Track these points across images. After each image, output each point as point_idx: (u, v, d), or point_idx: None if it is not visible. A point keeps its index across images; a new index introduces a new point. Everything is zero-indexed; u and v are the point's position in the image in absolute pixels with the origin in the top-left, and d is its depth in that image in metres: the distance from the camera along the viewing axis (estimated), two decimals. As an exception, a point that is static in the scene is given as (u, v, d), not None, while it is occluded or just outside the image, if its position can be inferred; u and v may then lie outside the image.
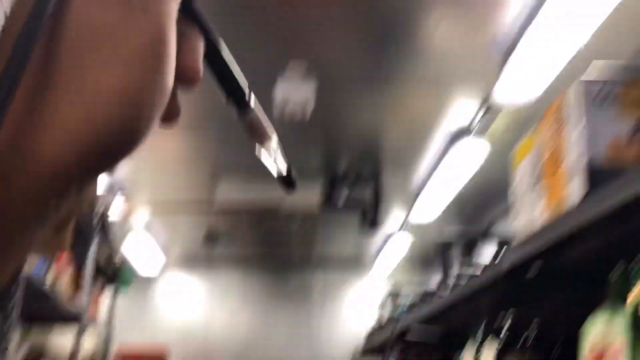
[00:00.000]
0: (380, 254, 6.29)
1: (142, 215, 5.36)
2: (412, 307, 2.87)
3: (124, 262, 4.47)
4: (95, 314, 3.72)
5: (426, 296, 2.70)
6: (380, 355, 5.04)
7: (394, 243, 5.72)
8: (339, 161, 4.15)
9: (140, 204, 5.14)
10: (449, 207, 4.60)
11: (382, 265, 6.63)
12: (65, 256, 2.62)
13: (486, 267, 1.78)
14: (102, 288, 3.87)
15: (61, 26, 0.26)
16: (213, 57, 0.31)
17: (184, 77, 0.29)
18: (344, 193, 4.24)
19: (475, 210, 5.03)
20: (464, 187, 4.27)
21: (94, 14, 0.27)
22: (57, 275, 2.56)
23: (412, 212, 4.75)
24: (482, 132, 3.72)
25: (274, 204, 4.09)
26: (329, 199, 4.22)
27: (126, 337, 5.85)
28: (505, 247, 1.60)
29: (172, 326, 6.71)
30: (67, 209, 0.30)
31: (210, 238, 5.92)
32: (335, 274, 7.13)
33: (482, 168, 4.01)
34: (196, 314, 6.86)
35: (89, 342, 5.39)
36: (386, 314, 5.57)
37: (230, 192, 4.20)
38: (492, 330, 1.82)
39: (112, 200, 4.01)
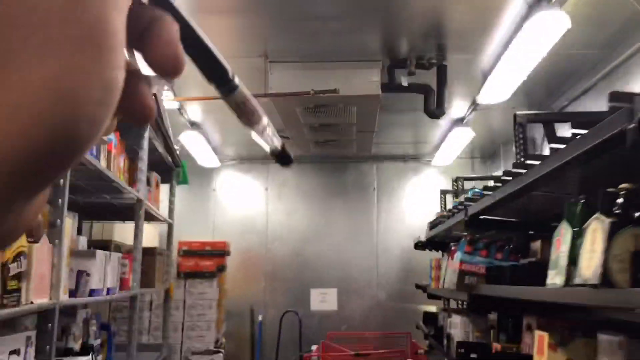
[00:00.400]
0: (441, 147, 6.04)
1: (193, 112, 5.24)
2: (485, 191, 2.66)
3: (180, 154, 4.41)
4: (155, 207, 3.70)
5: (499, 181, 2.47)
6: (442, 246, 4.95)
7: (455, 135, 5.44)
8: (399, 43, 3.83)
9: (191, 102, 5.00)
10: (516, 92, 4.24)
11: (442, 158, 6.39)
12: (116, 143, 2.50)
13: (589, 134, 1.52)
14: (159, 181, 3.81)
15: None
16: (189, 40, 0.30)
17: (164, 67, 0.28)
18: (405, 77, 3.94)
19: (546, 94, 4.66)
20: (534, 69, 3.89)
21: None
22: (109, 162, 2.45)
23: (478, 96, 4.42)
24: (561, 3, 3.31)
25: (329, 90, 3.85)
26: (389, 84, 3.94)
27: (186, 233, 5.98)
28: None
29: (231, 223, 6.79)
30: (7, 228, 0.26)
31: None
32: (394, 167, 6.98)
33: (558, 45, 3.61)
34: (254, 211, 6.89)
35: (152, 236, 5.51)
36: (449, 205, 5.44)
37: (283, 80, 3.97)
38: (591, 208, 1.59)
39: (161, 93, 3.86)
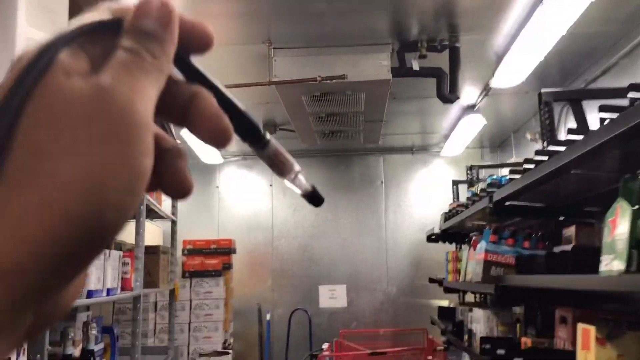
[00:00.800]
0: (451, 136, 5.85)
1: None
2: (512, 174, 2.47)
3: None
4: (157, 203, 3.52)
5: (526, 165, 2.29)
6: (457, 238, 4.77)
7: (465, 123, 5.25)
8: (409, 24, 3.63)
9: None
10: (527, 75, 4.05)
11: (451, 148, 6.21)
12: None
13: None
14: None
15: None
16: (224, 105, 0.32)
17: (217, 139, 0.30)
18: (416, 61, 3.75)
19: (561, 77, 4.47)
20: (552, 49, 3.70)
21: (56, 93, 0.25)
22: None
23: (491, 80, 4.23)
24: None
25: (337, 76, 3.66)
26: (399, 69, 3.75)
27: (191, 231, 5.82)
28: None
29: (236, 221, 6.61)
30: (38, 320, 0.27)
31: (268, 129, 5.61)
32: (402, 159, 6.80)
33: (575, 23, 3.42)
34: (259, 208, 6.72)
35: (156, 235, 5.34)
36: (461, 196, 5.26)
37: (288, 67, 3.78)
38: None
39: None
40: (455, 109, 5.20)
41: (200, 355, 4.83)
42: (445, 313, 4.58)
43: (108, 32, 0.29)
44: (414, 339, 4.85)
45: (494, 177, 3.39)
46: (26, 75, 0.25)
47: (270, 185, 6.78)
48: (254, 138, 0.34)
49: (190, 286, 5.07)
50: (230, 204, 6.72)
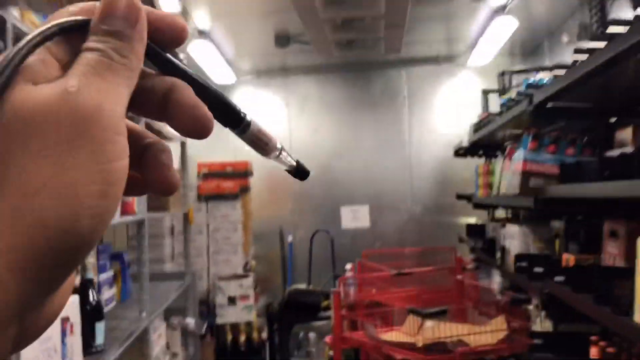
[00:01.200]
0: (479, 42, 5.40)
1: (200, 18, 4.70)
2: (556, 71, 2.13)
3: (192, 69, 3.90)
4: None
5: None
6: (488, 150, 4.47)
7: (495, 27, 4.81)
8: None
9: (196, 6, 4.45)
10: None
11: (479, 56, 5.78)
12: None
13: None
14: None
15: None
16: (201, 93, 0.32)
17: (197, 130, 0.30)
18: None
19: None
20: None
21: (22, 102, 0.25)
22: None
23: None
24: None
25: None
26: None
27: (206, 155, 5.60)
28: None
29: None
30: (23, 332, 0.27)
31: (281, 42, 5.24)
32: (426, 71, 6.38)
33: None
34: (275, 129, 6.44)
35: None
36: (492, 106, 4.90)
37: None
38: None
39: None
40: (483, 11, 4.76)
41: (220, 278, 4.72)
42: (474, 230, 4.35)
43: (77, 33, 0.28)
44: (440, 259, 4.66)
45: (530, 80, 3.04)
46: None
47: (287, 105, 6.47)
48: (235, 122, 0.34)
49: (207, 210, 4.90)
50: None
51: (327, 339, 3.08)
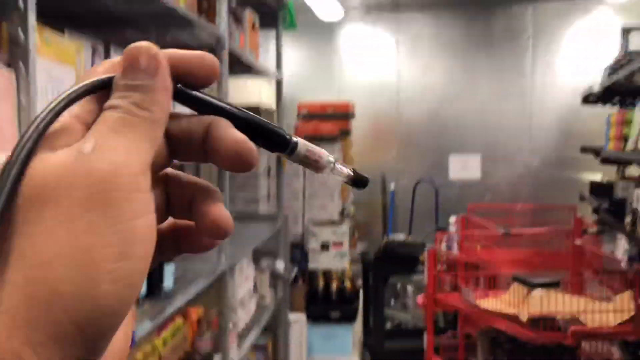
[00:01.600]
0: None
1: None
2: None
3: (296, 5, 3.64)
4: (254, 54, 3.04)
5: None
6: (623, 97, 3.86)
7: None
8: None
9: None
10: None
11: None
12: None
13: None
14: (256, 22, 3.10)
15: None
16: (243, 126, 0.31)
17: (244, 164, 0.29)
18: None
19: None
20: None
21: (39, 171, 0.25)
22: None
23: None
24: None
25: None
26: None
27: (309, 96, 5.39)
28: None
29: (358, 83, 6.04)
30: None
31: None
32: (555, 8, 5.65)
33: None
34: (384, 69, 6.06)
35: (271, 95, 4.97)
36: (633, 46, 4.23)
37: None
38: None
39: None
40: None
41: (314, 223, 4.57)
42: (600, 189, 3.82)
43: (105, 91, 0.28)
44: (557, 219, 4.17)
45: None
46: (10, 167, 0.24)
47: (397, 43, 6.04)
48: (281, 146, 0.33)
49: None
50: (353, 65, 6.12)
51: (419, 299, 2.81)
